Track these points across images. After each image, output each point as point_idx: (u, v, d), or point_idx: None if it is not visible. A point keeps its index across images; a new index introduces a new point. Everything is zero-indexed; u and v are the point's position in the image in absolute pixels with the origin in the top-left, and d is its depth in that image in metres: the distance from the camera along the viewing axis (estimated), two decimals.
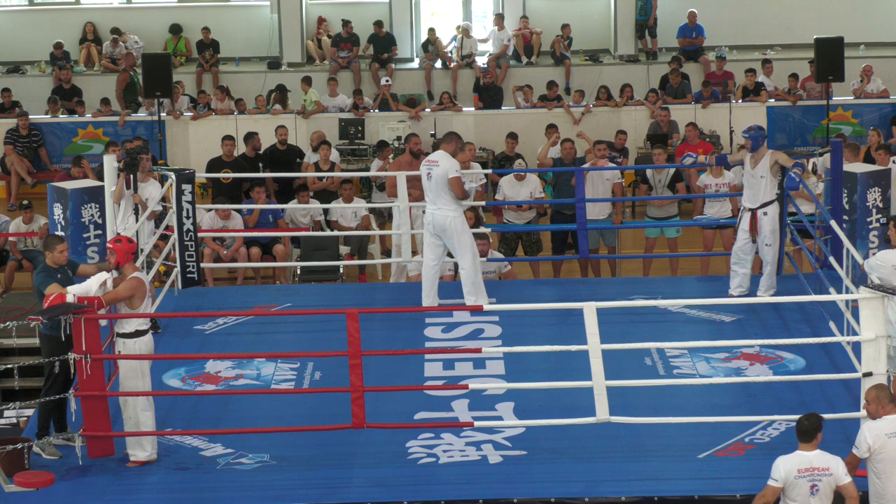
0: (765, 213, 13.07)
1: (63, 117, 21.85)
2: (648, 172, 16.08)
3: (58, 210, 13.32)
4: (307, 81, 21.65)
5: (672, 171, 15.98)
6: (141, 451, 10.17)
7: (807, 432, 8.89)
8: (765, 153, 13.05)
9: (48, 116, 21.71)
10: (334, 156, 18.35)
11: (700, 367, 11.74)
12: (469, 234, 12.88)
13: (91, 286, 10.21)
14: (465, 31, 23.65)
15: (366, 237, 16.50)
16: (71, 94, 22.34)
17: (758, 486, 8.94)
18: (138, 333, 10.18)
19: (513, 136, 18.16)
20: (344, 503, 9.66)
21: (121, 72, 22.66)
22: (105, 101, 21.61)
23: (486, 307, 11.32)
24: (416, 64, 24.34)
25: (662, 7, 24.11)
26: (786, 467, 8.83)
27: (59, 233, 13.02)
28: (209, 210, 15.79)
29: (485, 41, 23.87)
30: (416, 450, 10.34)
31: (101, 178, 13.58)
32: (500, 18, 23.81)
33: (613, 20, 24.39)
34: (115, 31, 23.92)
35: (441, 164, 12.73)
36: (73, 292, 10.12)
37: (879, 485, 9.02)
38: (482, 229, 14.65)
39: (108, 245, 10.38)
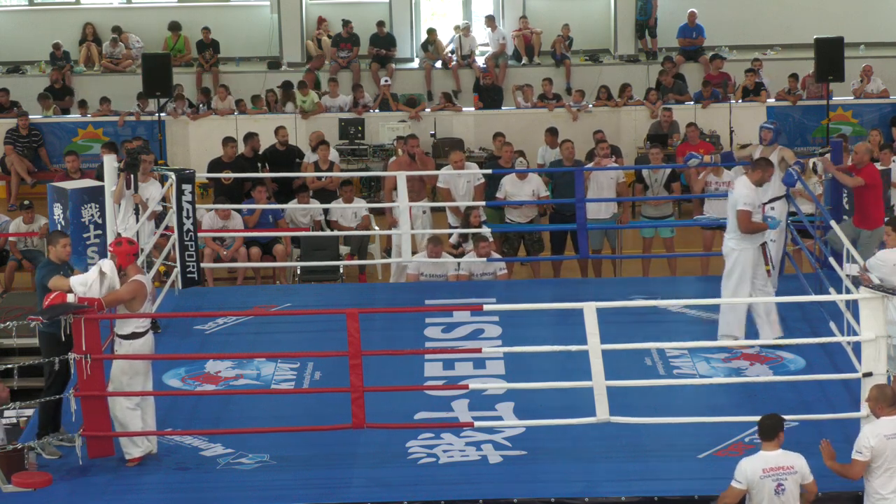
0: (772, 209, 13.05)
1: (58, 117, 21.86)
2: (644, 172, 16.08)
3: (58, 210, 13.31)
4: (304, 85, 21.65)
5: (668, 170, 15.98)
6: (134, 448, 10.17)
7: (767, 431, 8.93)
8: (774, 149, 13.10)
9: (40, 117, 21.68)
10: (333, 155, 18.35)
11: (700, 368, 11.74)
12: (739, 273, 12.04)
13: (89, 276, 10.19)
14: (465, 31, 23.64)
15: (366, 237, 16.50)
16: (62, 94, 22.34)
17: None
18: (135, 335, 10.17)
19: (500, 135, 18.16)
20: (344, 503, 9.66)
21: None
22: (105, 101, 21.61)
23: (487, 307, 11.28)
24: (416, 64, 24.34)
25: (662, 7, 24.10)
26: (750, 468, 8.87)
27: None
28: (209, 210, 15.79)
29: (486, 45, 23.86)
30: (416, 450, 10.34)
31: (100, 179, 13.57)
32: (490, 20, 23.82)
33: (613, 20, 24.38)
34: (117, 29, 23.91)
35: (735, 191, 12.16)
36: (75, 282, 10.11)
37: (878, 485, 9.02)
38: (483, 230, 14.67)
39: (109, 248, 10.38)
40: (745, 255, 12.03)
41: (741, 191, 12.00)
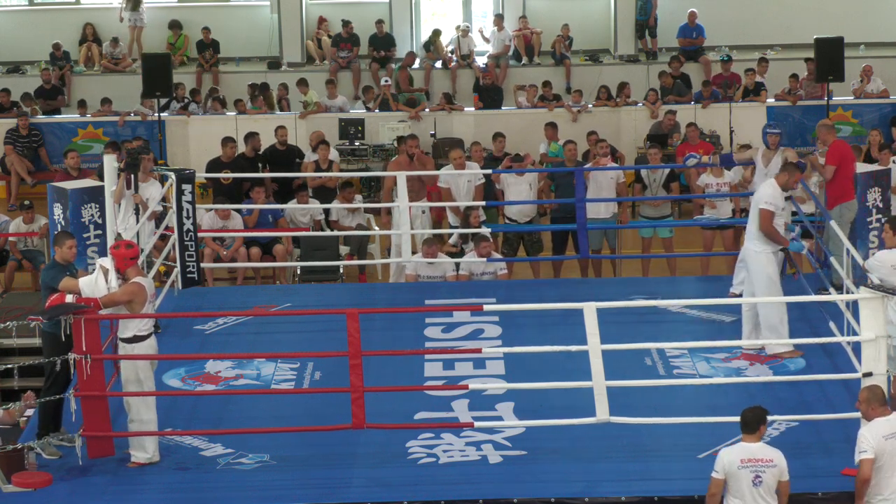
0: (782, 209, 12.99)
1: (61, 116, 21.89)
2: (643, 172, 16.08)
3: (58, 210, 13.31)
4: (304, 83, 21.66)
5: (667, 171, 15.98)
6: (142, 452, 10.17)
7: (749, 423, 9.00)
8: (777, 151, 13.08)
9: (43, 117, 21.71)
10: (333, 155, 18.36)
11: (700, 367, 11.74)
12: (771, 276, 11.79)
13: (93, 276, 10.19)
14: (464, 32, 23.66)
15: (366, 237, 16.50)
16: (54, 93, 22.33)
17: None
18: (137, 339, 10.16)
19: (500, 136, 18.17)
20: (344, 503, 9.66)
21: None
22: (106, 102, 21.61)
23: (487, 307, 11.27)
24: (416, 64, 24.33)
25: (662, 7, 24.10)
26: (728, 458, 8.93)
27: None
28: (209, 210, 15.79)
29: (487, 41, 23.87)
30: (416, 450, 10.34)
31: (100, 178, 13.57)
32: (499, 19, 23.81)
33: (613, 20, 24.38)
34: (137, 3, 23.93)
35: (759, 190, 11.96)
36: (82, 283, 10.11)
37: (878, 486, 9.01)
38: (483, 230, 14.66)
39: (109, 252, 10.38)
40: (769, 258, 11.79)
41: (765, 190, 11.79)
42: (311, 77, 22.39)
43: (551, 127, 18.08)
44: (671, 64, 22.39)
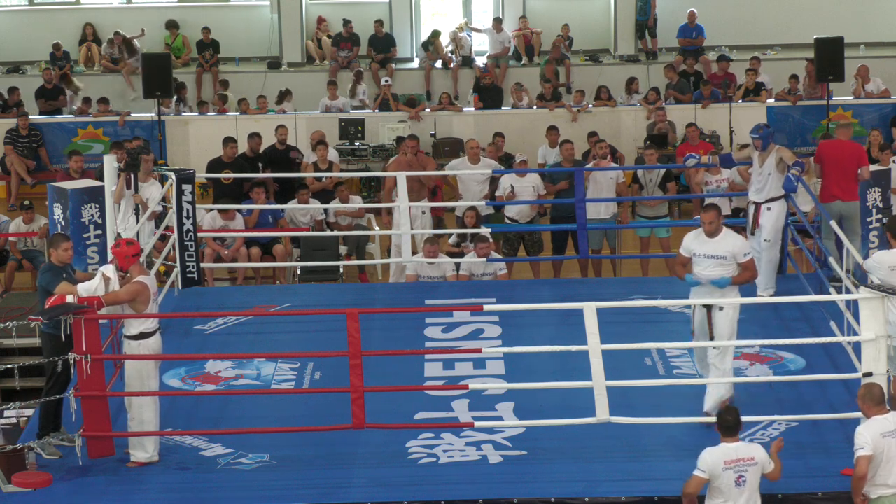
0: (769, 209, 13.02)
1: (61, 117, 21.91)
2: (639, 172, 16.09)
3: (58, 210, 13.31)
4: (224, 85, 21.83)
5: (663, 170, 15.98)
6: (142, 451, 10.17)
7: (731, 427, 8.96)
8: (771, 150, 13.05)
9: (43, 117, 21.72)
10: (333, 155, 18.35)
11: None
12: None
13: (93, 283, 10.20)
14: (457, 36, 23.68)
15: (364, 236, 16.50)
16: (55, 94, 22.34)
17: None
18: (142, 336, 10.17)
19: (500, 136, 18.17)
20: (344, 503, 9.66)
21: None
22: (104, 101, 21.61)
23: (487, 307, 11.26)
24: (416, 64, 24.35)
25: (662, 7, 24.11)
26: (712, 459, 8.89)
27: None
28: (210, 210, 15.79)
29: (476, 30, 23.91)
30: (416, 450, 10.34)
31: (100, 178, 13.57)
32: (497, 22, 23.83)
33: (613, 20, 24.39)
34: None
35: None
36: (81, 289, 10.11)
37: (882, 476, 9.00)
38: (483, 230, 14.66)
39: (110, 251, 10.38)
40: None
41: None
42: (311, 77, 22.45)
43: (553, 131, 18.04)
44: (686, 62, 22.39)
